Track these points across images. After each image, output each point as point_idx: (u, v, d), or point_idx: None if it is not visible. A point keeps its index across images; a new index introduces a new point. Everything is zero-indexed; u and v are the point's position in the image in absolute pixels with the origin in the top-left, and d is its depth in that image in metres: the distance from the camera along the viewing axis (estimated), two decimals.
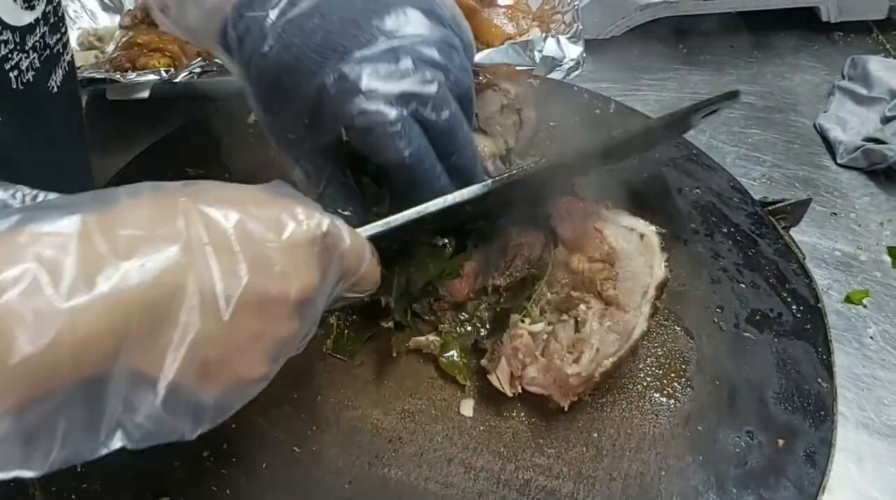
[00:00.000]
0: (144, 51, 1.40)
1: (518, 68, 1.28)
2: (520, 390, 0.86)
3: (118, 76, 1.29)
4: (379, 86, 0.74)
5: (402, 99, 0.74)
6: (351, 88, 0.74)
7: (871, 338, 1.11)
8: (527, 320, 0.88)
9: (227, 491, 0.79)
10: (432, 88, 0.75)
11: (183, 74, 1.29)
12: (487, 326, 0.92)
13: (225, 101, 1.22)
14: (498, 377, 0.86)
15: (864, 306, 1.14)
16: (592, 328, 0.84)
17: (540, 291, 0.91)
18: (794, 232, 1.12)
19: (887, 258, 1.21)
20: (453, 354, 0.90)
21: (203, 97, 1.33)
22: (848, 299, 1.15)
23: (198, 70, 1.30)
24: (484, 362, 0.89)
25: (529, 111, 0.97)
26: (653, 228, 0.89)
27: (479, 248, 0.92)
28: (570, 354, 0.84)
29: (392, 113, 0.74)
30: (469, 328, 0.91)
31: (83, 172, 1.00)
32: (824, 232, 1.25)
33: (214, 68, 1.30)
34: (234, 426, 0.83)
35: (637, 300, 0.86)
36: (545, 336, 0.87)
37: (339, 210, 0.83)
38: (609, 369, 0.83)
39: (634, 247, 0.88)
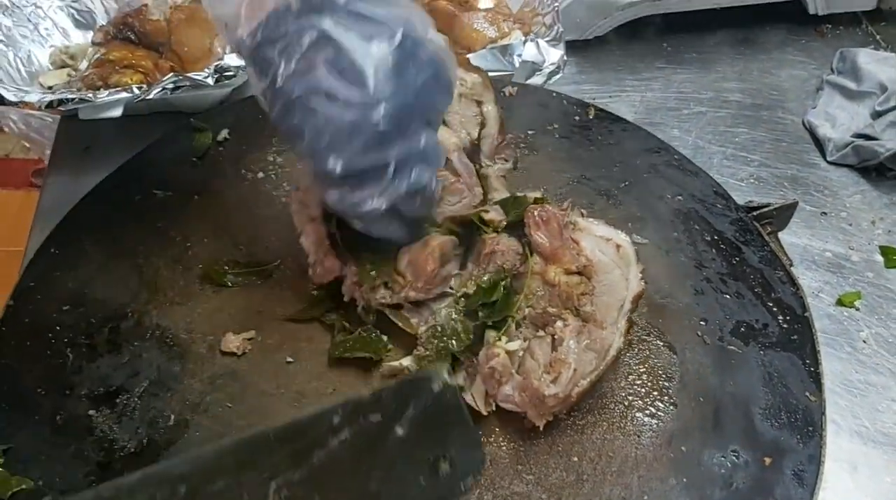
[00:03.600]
0: (117, 67, 1.37)
1: (497, 74, 1.26)
2: (494, 408, 0.84)
3: (90, 96, 1.27)
4: None
5: None
6: None
7: (864, 342, 1.08)
8: (503, 339, 0.85)
9: None
10: None
11: (155, 91, 1.26)
12: (461, 336, 0.89)
13: (194, 118, 1.21)
14: (473, 396, 0.84)
15: (857, 309, 1.11)
16: (570, 347, 0.81)
17: (517, 305, 0.88)
18: (783, 233, 1.10)
19: (880, 258, 1.18)
20: None
21: (176, 112, 1.30)
22: (840, 302, 1.12)
23: (170, 86, 1.27)
24: (459, 380, 0.86)
25: (490, 106, 0.94)
26: (628, 238, 0.86)
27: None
28: (547, 374, 0.81)
29: None
30: (444, 342, 0.89)
31: None
32: (814, 232, 1.22)
33: (187, 83, 1.27)
34: None
35: (614, 316, 0.83)
36: (521, 353, 0.85)
37: None
38: (586, 388, 0.81)
39: (611, 258, 0.85)
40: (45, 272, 0.97)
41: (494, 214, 0.93)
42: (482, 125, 0.95)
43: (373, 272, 0.90)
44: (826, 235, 1.22)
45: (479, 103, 0.94)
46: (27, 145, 2.76)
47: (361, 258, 0.91)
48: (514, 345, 0.85)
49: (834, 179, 1.32)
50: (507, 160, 0.97)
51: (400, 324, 0.91)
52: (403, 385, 0.80)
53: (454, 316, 0.91)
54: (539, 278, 0.88)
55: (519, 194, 0.95)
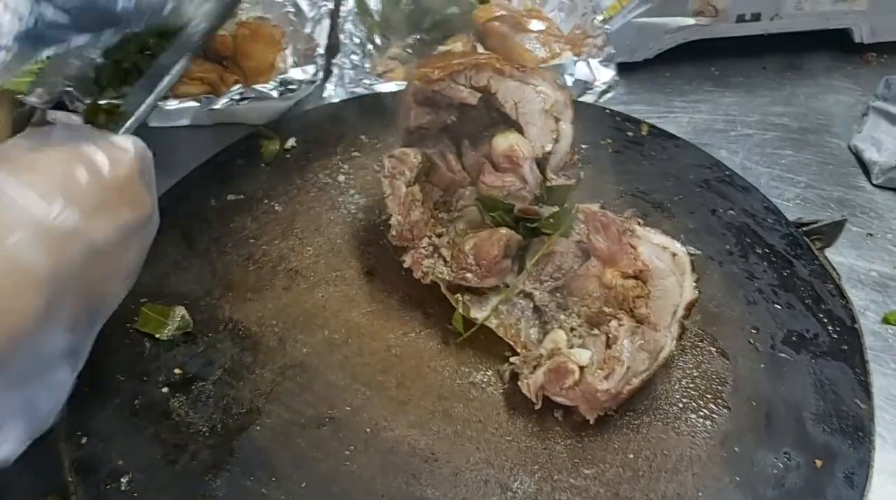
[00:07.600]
0: (184, 79, 1.43)
1: None
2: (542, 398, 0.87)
3: (159, 104, 1.33)
4: None
5: None
6: None
7: None
8: (574, 349, 0.88)
9: None
10: None
11: (223, 101, 1.32)
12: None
13: (263, 126, 1.25)
14: (528, 385, 0.87)
15: None
16: (624, 346, 0.84)
17: (573, 304, 0.92)
18: (830, 253, 1.12)
19: None
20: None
21: (242, 123, 1.35)
22: (885, 321, 1.14)
23: (237, 97, 1.33)
24: (515, 360, 0.91)
25: (566, 125, 0.98)
26: (684, 247, 0.89)
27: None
28: (601, 370, 0.84)
29: None
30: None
31: None
32: (861, 253, 1.24)
33: (253, 95, 1.33)
34: (272, 445, 0.85)
35: (667, 319, 0.86)
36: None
37: None
38: (636, 386, 0.84)
39: (666, 265, 0.88)
40: None
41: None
42: (556, 141, 0.98)
43: None
44: (872, 256, 1.24)
45: (558, 120, 0.98)
46: None
47: None
48: (585, 359, 0.86)
49: (880, 201, 1.34)
50: (570, 177, 1.01)
51: (457, 307, 0.95)
52: None
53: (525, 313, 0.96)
54: (596, 280, 0.91)
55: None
